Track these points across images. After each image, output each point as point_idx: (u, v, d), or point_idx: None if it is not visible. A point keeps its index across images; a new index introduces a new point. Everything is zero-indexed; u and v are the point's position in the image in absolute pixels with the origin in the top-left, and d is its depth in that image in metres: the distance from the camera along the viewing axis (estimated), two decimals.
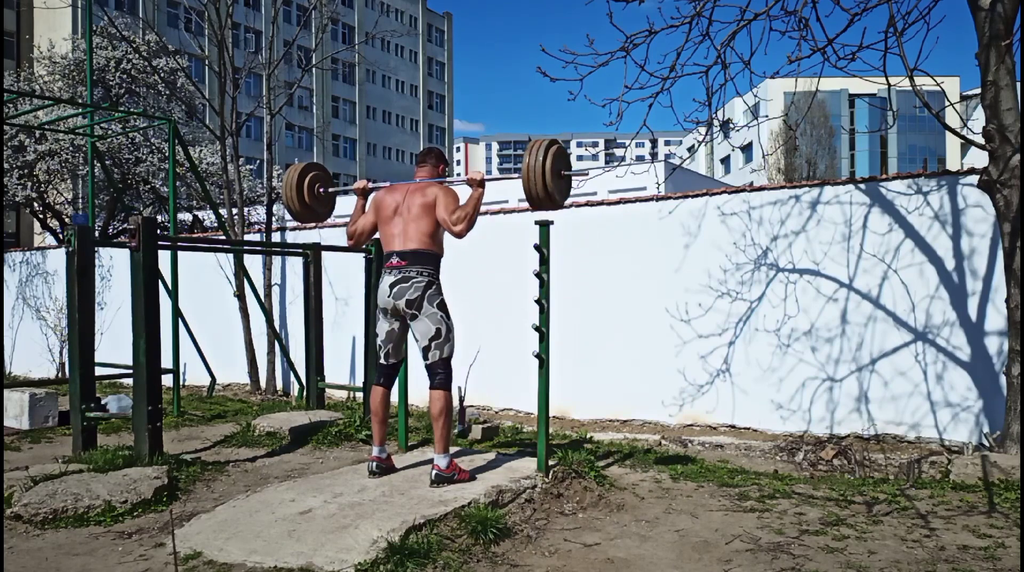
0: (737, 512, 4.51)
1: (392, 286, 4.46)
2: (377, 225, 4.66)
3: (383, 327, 4.60)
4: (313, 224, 11.86)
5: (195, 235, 14.14)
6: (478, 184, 4.40)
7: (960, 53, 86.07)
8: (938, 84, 5.44)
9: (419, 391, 6.83)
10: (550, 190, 4.21)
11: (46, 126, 11.69)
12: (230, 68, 10.20)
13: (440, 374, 4.47)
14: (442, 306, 4.50)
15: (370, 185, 4.86)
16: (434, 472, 4.39)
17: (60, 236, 16.79)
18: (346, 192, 5.21)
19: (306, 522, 3.86)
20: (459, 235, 4.38)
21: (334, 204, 5.31)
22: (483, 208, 5.58)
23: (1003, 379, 5.82)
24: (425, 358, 4.49)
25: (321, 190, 5.15)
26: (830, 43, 5.48)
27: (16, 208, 18.75)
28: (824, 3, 6.48)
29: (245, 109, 12.17)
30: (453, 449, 5.09)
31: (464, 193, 4.48)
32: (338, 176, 53.85)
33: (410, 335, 4.66)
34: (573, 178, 4.46)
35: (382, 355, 4.65)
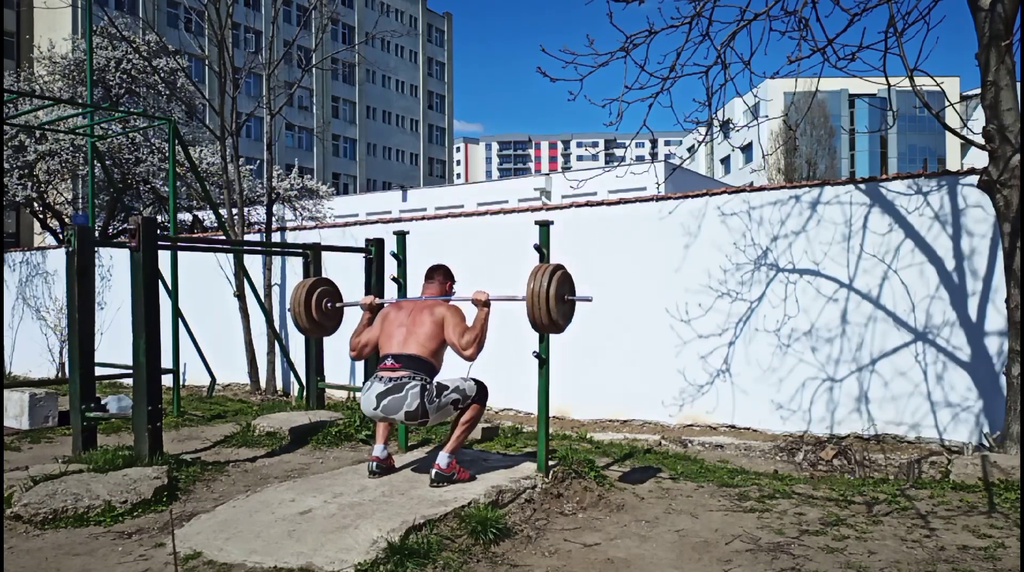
0: (737, 512, 4.51)
1: (380, 397, 4.21)
2: (381, 339, 4.56)
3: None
4: (313, 224, 11.86)
5: (195, 235, 14.13)
6: (483, 304, 4.39)
7: (960, 53, 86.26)
8: (938, 84, 5.45)
9: None
10: (554, 317, 4.20)
11: (46, 126, 11.70)
12: (230, 68, 10.21)
13: (479, 397, 4.51)
14: (441, 389, 4.31)
15: (377, 301, 4.87)
16: (434, 470, 4.40)
17: (60, 236, 16.77)
18: (353, 305, 5.14)
19: (306, 522, 3.86)
20: (470, 359, 4.35)
21: (342, 317, 5.41)
22: (483, 209, 5.64)
23: (1003, 379, 5.82)
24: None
25: (328, 305, 5.22)
26: (830, 43, 5.48)
27: (16, 208, 18.74)
28: (824, 3, 6.50)
29: (245, 109, 12.18)
30: None
31: (468, 307, 4.48)
32: (338, 177, 53.88)
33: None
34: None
35: None
